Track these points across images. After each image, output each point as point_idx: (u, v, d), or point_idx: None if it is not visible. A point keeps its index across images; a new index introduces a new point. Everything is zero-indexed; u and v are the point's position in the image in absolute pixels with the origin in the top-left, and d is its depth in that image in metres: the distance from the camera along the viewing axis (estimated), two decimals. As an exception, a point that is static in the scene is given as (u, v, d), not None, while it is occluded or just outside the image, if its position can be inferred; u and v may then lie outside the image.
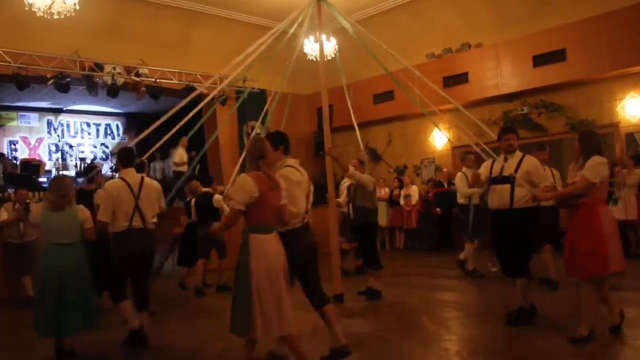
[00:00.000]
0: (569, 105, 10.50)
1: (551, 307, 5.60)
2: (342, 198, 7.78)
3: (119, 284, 5.02)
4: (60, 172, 12.64)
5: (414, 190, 11.91)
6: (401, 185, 12.16)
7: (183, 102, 7.10)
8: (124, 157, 5.18)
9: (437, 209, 11.25)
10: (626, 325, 4.68)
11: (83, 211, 4.91)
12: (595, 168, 4.35)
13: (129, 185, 4.93)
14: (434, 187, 11.63)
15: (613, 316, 4.54)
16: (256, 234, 3.67)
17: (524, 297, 5.14)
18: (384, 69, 7.58)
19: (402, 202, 11.95)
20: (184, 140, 11.40)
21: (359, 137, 8.21)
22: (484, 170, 5.51)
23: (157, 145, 6.96)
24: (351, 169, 6.66)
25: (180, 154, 11.77)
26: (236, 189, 3.71)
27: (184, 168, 11.68)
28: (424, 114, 11.90)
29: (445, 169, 12.16)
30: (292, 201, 4.04)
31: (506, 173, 5.15)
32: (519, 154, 5.24)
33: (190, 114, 7.07)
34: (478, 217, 7.78)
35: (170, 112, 6.79)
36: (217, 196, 7.89)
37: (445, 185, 11.39)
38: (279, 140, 4.24)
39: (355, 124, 8.02)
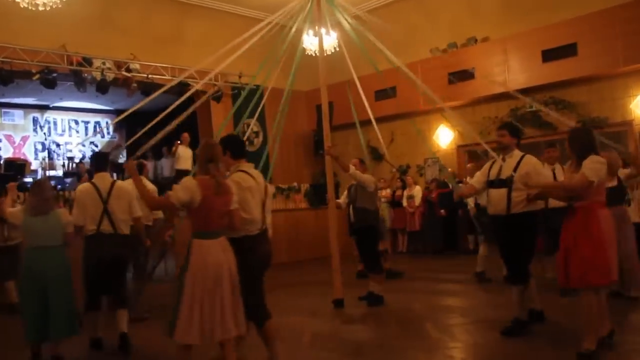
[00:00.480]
0: (580, 102, 10.48)
1: (562, 314, 5.57)
2: (342, 199, 7.77)
3: (91, 290, 5.14)
4: (47, 172, 12.64)
5: (417, 191, 11.90)
6: (404, 186, 12.15)
7: (160, 91, 7.02)
8: (96, 162, 5.50)
9: (442, 211, 11.24)
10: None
11: (66, 215, 5.08)
12: (594, 167, 4.20)
13: (97, 189, 5.10)
14: (437, 187, 11.61)
15: (603, 329, 4.36)
16: (199, 239, 3.77)
17: (520, 306, 5.03)
18: (375, 68, 7.57)
19: (404, 203, 11.93)
20: (185, 136, 11.34)
21: (378, 133, 8.18)
22: (481, 174, 5.33)
23: (128, 141, 6.88)
24: (352, 168, 6.67)
25: (183, 150, 11.64)
26: (181, 186, 3.79)
27: (188, 165, 11.60)
28: (427, 111, 12.00)
29: (450, 169, 12.15)
30: (244, 207, 4.05)
31: (504, 175, 4.97)
32: (517, 154, 5.06)
33: (170, 108, 6.97)
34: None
35: (142, 104, 6.73)
36: None
37: (450, 186, 11.37)
38: (225, 145, 4.23)
39: (372, 119, 7.92)
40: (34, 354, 4.78)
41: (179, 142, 11.59)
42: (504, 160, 5.10)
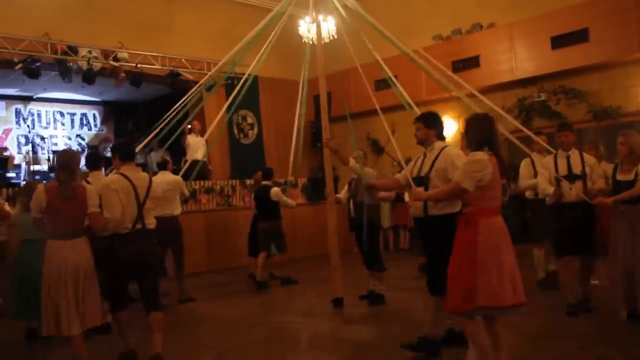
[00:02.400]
0: (591, 91, 10.45)
1: (573, 323, 5.52)
2: (342, 194, 7.77)
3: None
4: (31, 167, 12.61)
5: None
6: (406, 180, 12.13)
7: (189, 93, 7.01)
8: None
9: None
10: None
11: None
12: (467, 168, 3.69)
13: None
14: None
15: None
16: (50, 239, 4.33)
17: (434, 322, 4.63)
18: (375, 58, 7.53)
19: (406, 198, 11.92)
20: (195, 123, 11.09)
21: (417, 112, 8.13)
22: (407, 168, 4.98)
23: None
24: (352, 161, 6.65)
25: (192, 139, 11.42)
26: (32, 199, 4.39)
27: (199, 155, 11.49)
28: (430, 101, 11.99)
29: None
30: (108, 207, 4.55)
31: (423, 172, 4.66)
32: (438, 146, 4.70)
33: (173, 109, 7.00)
34: (540, 214, 6.71)
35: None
36: (274, 189, 8.73)
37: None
38: (114, 149, 4.97)
39: (412, 103, 7.86)
40: (29, 331, 5.76)
41: (189, 126, 11.23)
42: (425, 155, 4.80)
